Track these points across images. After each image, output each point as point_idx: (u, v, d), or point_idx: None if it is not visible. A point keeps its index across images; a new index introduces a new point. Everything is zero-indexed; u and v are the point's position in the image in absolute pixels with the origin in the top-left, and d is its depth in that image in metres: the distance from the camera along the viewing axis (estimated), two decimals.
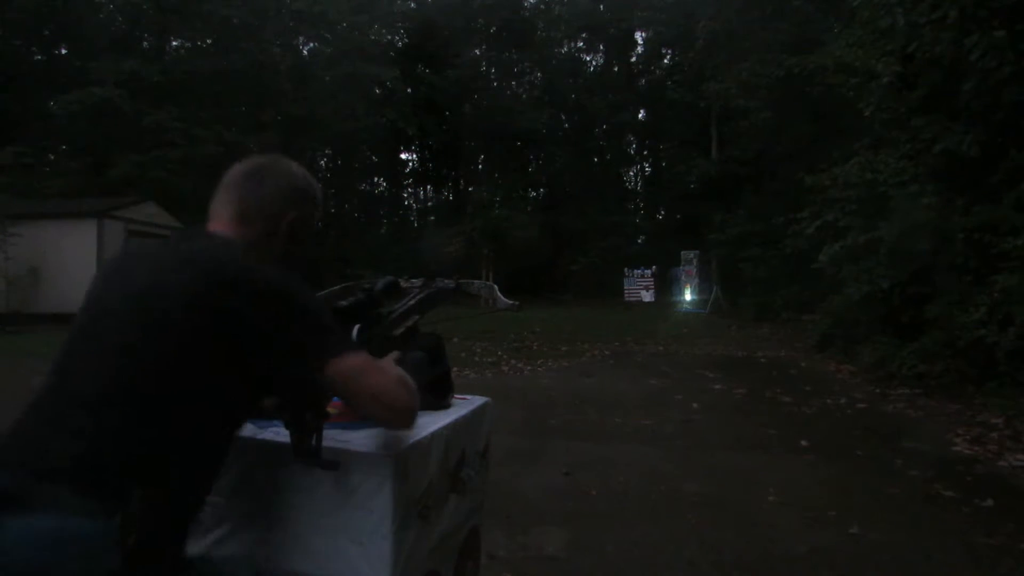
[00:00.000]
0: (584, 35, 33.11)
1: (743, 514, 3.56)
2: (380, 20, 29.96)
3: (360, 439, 1.22)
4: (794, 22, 15.28)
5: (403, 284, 1.45)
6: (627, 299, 22.40)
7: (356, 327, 1.24)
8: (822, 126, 13.80)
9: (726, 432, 5.42)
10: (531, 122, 28.66)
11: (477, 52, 32.24)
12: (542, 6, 33.13)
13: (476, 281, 1.90)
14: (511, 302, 1.84)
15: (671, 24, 27.64)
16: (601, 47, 33.57)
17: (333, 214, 31.94)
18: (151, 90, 20.08)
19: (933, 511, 3.62)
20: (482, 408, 1.62)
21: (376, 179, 34.36)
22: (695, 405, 6.40)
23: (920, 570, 2.93)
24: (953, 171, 7.42)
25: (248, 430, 1.23)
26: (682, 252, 20.97)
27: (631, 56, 32.97)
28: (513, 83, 33.33)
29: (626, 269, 23.39)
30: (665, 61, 31.70)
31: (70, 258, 14.35)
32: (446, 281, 1.59)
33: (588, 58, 34.19)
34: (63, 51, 24.23)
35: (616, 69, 33.13)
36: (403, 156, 33.19)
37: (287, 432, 1.14)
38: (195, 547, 1.20)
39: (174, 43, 25.35)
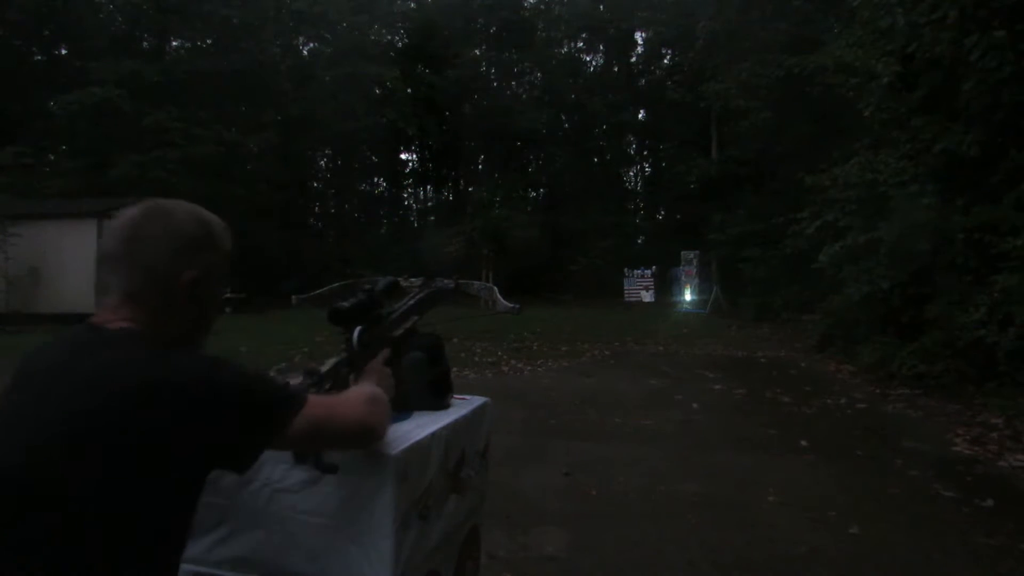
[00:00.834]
0: (584, 35, 33.10)
1: (743, 514, 3.56)
2: (380, 20, 29.97)
3: None
4: (794, 22, 15.28)
5: (402, 284, 1.45)
6: (627, 299, 22.39)
7: (357, 329, 1.24)
8: (822, 126, 13.80)
9: (726, 432, 5.43)
10: (531, 122, 28.65)
11: (477, 52, 32.21)
12: (542, 6, 33.13)
13: (476, 282, 1.90)
14: (511, 305, 1.83)
15: (671, 24, 27.61)
16: (601, 47, 33.55)
17: (333, 214, 31.97)
18: (151, 90, 20.07)
19: (933, 511, 3.62)
20: (482, 408, 1.62)
21: (376, 179, 34.35)
22: (695, 405, 6.40)
23: (920, 570, 2.93)
24: (953, 171, 7.43)
25: None
26: (682, 252, 20.96)
27: (631, 56, 32.95)
28: (513, 83, 33.31)
29: (626, 269, 23.38)
30: (665, 61, 31.67)
31: (70, 258, 14.37)
32: (445, 281, 1.59)
33: (588, 58, 34.18)
34: (63, 51, 24.22)
35: (616, 69, 33.11)
36: (403, 156, 33.19)
37: None
38: (195, 547, 1.20)
39: (174, 43, 25.35)
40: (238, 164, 22.64)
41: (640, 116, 32.43)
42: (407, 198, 35.63)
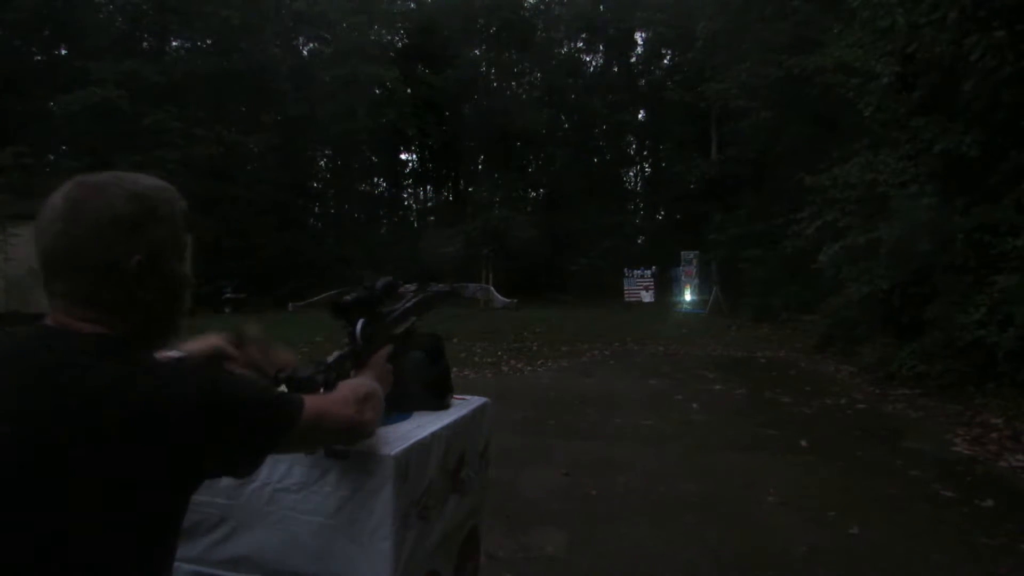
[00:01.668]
0: (584, 35, 33.09)
1: (743, 514, 3.56)
2: (380, 20, 29.96)
3: None
4: (794, 22, 15.27)
5: (400, 290, 1.47)
6: (627, 299, 22.39)
7: (360, 322, 1.25)
8: (822, 126, 13.80)
9: (726, 432, 5.43)
10: (531, 122, 28.64)
11: (477, 52, 32.21)
12: (542, 6, 33.12)
13: (471, 284, 1.92)
14: (508, 300, 1.84)
15: (671, 24, 27.61)
16: (601, 47, 33.54)
17: (333, 214, 31.95)
18: (151, 90, 20.09)
19: (933, 511, 3.62)
20: (482, 408, 1.62)
21: (376, 179, 34.33)
22: (695, 405, 6.40)
23: (920, 570, 2.93)
24: (953, 171, 7.43)
25: None
26: (682, 252, 20.95)
27: (631, 56, 32.95)
28: (513, 83, 33.29)
29: (626, 269, 23.38)
30: (665, 61, 31.69)
31: None
32: (440, 286, 1.60)
33: (588, 58, 34.17)
34: (63, 51, 24.21)
35: (616, 69, 33.09)
36: (403, 156, 33.18)
37: None
38: (195, 547, 1.20)
39: (174, 43, 25.35)
40: (238, 164, 22.65)
41: (640, 116, 32.43)
42: (407, 198, 35.63)
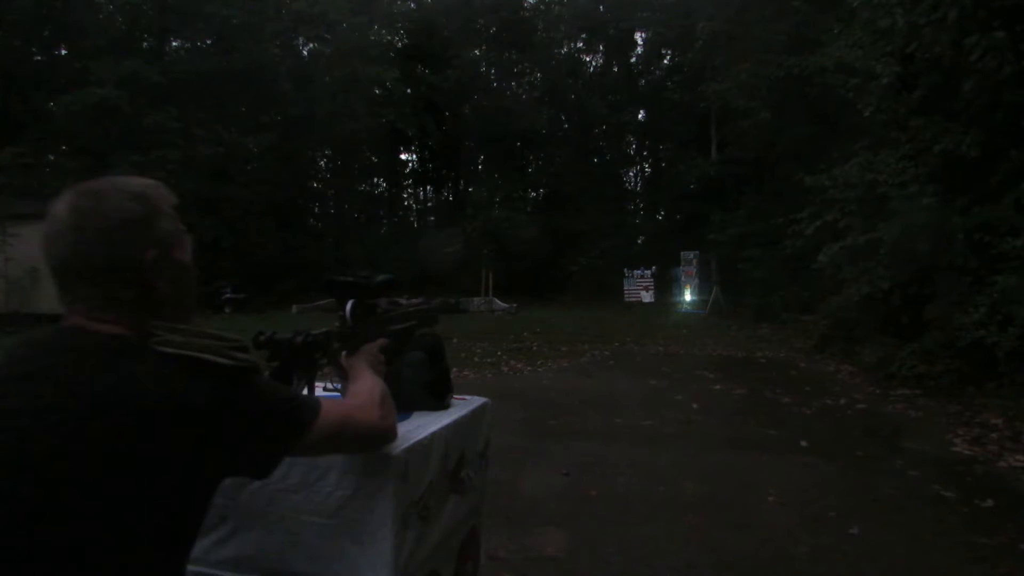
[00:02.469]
0: (584, 35, 33.07)
1: (743, 514, 3.56)
2: (380, 21, 29.95)
3: None
4: (794, 22, 15.28)
5: (403, 302, 1.47)
6: (627, 300, 22.39)
7: (350, 302, 1.26)
8: (822, 126, 13.80)
9: (726, 433, 5.43)
10: (531, 122, 28.65)
11: (477, 52, 32.21)
12: (542, 6, 33.10)
13: (476, 299, 1.92)
14: (507, 305, 1.85)
15: (671, 24, 27.61)
16: (601, 47, 33.52)
17: (333, 214, 31.94)
18: (151, 90, 20.08)
19: (933, 511, 3.62)
20: (482, 408, 1.62)
21: (376, 180, 34.33)
22: (695, 406, 6.40)
23: (920, 570, 2.93)
24: (953, 171, 7.43)
25: None
26: (682, 253, 20.96)
27: (631, 56, 32.92)
28: (513, 83, 33.29)
29: (626, 270, 23.38)
30: (665, 61, 31.67)
31: None
32: (447, 300, 1.61)
33: (588, 58, 34.14)
34: (63, 51, 24.21)
35: (616, 69, 33.08)
36: (403, 157, 33.18)
37: None
38: (195, 547, 1.20)
39: (174, 43, 25.33)
40: (238, 164, 22.63)
41: (640, 116, 32.42)
42: (407, 198, 35.63)
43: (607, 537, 3.24)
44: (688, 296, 20.35)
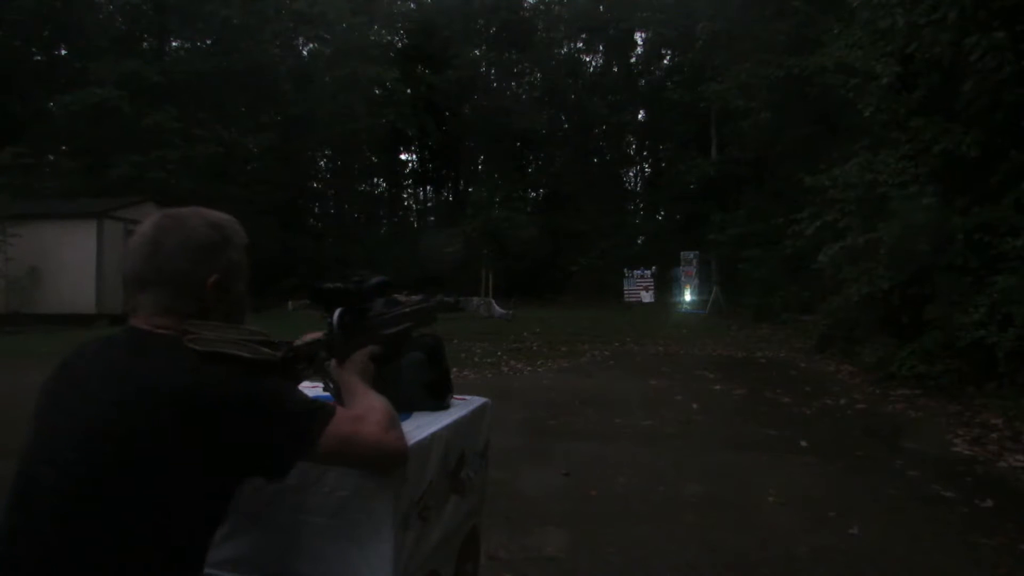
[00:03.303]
0: (584, 35, 33.10)
1: (743, 514, 3.56)
2: (380, 21, 29.97)
3: None
4: (794, 22, 15.28)
5: (402, 299, 1.44)
6: (627, 300, 22.41)
7: (338, 311, 1.22)
8: (822, 126, 13.81)
9: (726, 433, 5.42)
10: (531, 122, 28.68)
11: (477, 52, 32.24)
12: (542, 6, 33.14)
13: (475, 298, 1.91)
14: (505, 312, 1.84)
15: (671, 24, 27.63)
16: (601, 47, 33.55)
17: (332, 215, 31.96)
18: (151, 90, 20.09)
19: (933, 511, 3.62)
20: (482, 408, 1.62)
21: (376, 180, 34.37)
22: (695, 406, 6.40)
23: (920, 570, 2.93)
24: (953, 171, 7.43)
25: None
26: (682, 253, 20.97)
27: (631, 56, 32.95)
28: (513, 83, 33.32)
29: (626, 270, 23.40)
30: (665, 62, 31.71)
31: (70, 258, 14.37)
32: (445, 298, 1.59)
33: (588, 58, 34.18)
34: (63, 51, 24.23)
35: (616, 69, 33.11)
36: (403, 157, 33.24)
37: None
38: None
39: (174, 43, 25.36)
40: (238, 164, 22.64)
41: (640, 116, 32.46)
42: (407, 199, 35.67)
43: (607, 537, 3.24)
44: (688, 296, 20.36)
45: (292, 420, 1.01)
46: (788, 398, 6.75)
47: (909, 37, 7.32)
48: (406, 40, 31.62)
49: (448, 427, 1.40)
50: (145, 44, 24.32)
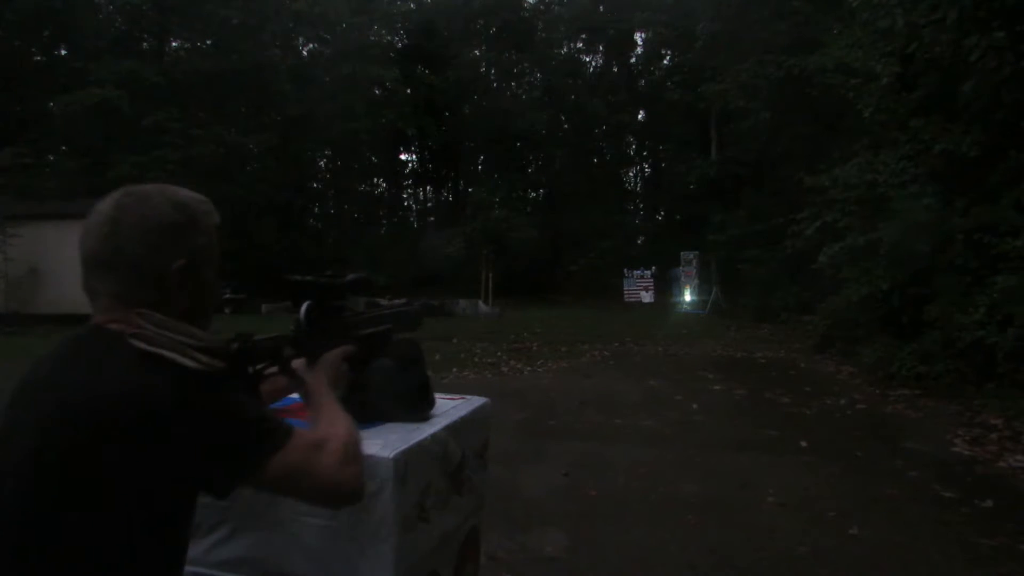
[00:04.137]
0: (584, 35, 33.14)
1: (743, 514, 3.56)
2: (380, 21, 29.99)
3: None
4: (794, 22, 15.28)
5: (384, 303, 1.39)
6: (627, 300, 22.41)
7: (306, 304, 1.13)
8: (822, 126, 13.80)
9: (726, 433, 5.42)
10: (531, 122, 28.68)
11: (477, 53, 32.27)
12: (542, 6, 33.16)
13: (461, 301, 1.90)
14: (490, 309, 1.83)
15: (671, 25, 27.66)
16: (601, 48, 33.58)
17: (332, 215, 31.96)
18: (151, 90, 20.10)
19: (933, 512, 3.62)
20: (481, 409, 1.61)
21: (376, 180, 34.38)
22: (695, 406, 6.40)
23: (920, 570, 2.93)
24: (953, 171, 7.43)
25: None
26: (682, 253, 20.97)
27: (631, 57, 33.00)
28: (513, 84, 33.33)
29: (626, 270, 23.40)
30: (665, 62, 31.73)
31: (70, 258, 14.22)
32: (429, 302, 1.54)
33: (588, 59, 34.23)
34: (63, 51, 24.24)
35: (616, 70, 33.15)
36: (403, 157, 33.26)
37: None
38: (195, 548, 1.19)
39: (174, 44, 25.38)
40: (238, 164, 22.66)
41: (640, 116, 32.49)
42: (406, 199, 35.70)
43: (607, 537, 3.24)
44: (688, 296, 20.35)
45: (235, 437, 0.88)
46: (788, 398, 6.75)
47: (909, 37, 7.32)
48: (406, 40, 31.64)
49: (448, 427, 1.39)
50: (145, 44, 24.34)
